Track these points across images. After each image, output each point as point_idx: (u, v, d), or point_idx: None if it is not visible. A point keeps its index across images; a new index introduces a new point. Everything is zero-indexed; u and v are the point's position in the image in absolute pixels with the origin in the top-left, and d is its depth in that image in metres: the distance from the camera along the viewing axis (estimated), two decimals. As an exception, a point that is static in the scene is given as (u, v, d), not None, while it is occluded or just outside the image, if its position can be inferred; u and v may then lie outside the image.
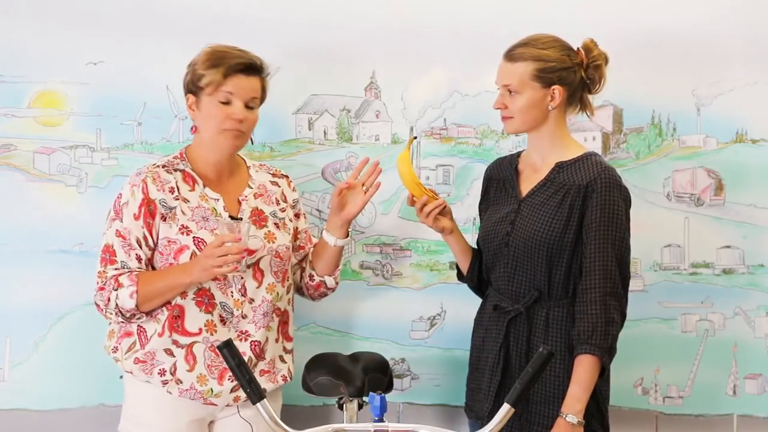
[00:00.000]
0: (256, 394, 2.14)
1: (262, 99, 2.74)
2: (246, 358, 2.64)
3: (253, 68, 2.68)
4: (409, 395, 3.18)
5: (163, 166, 2.70)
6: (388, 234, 3.17)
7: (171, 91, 3.06)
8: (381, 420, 2.22)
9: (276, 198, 2.81)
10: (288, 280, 2.80)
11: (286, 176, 2.88)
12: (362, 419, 2.45)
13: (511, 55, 2.67)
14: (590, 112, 2.76)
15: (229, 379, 2.66)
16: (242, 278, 2.68)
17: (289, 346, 2.81)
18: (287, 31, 3.11)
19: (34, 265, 3.06)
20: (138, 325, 2.67)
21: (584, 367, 2.57)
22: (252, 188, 2.78)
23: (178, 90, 2.75)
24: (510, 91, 2.66)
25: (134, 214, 2.63)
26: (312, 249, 2.89)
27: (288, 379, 2.80)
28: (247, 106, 2.67)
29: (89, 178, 3.08)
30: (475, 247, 2.89)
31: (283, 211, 2.80)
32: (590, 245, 2.60)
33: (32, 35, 3.06)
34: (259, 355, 2.70)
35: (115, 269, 2.63)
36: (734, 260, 3.17)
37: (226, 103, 2.65)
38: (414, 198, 2.79)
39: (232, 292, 2.67)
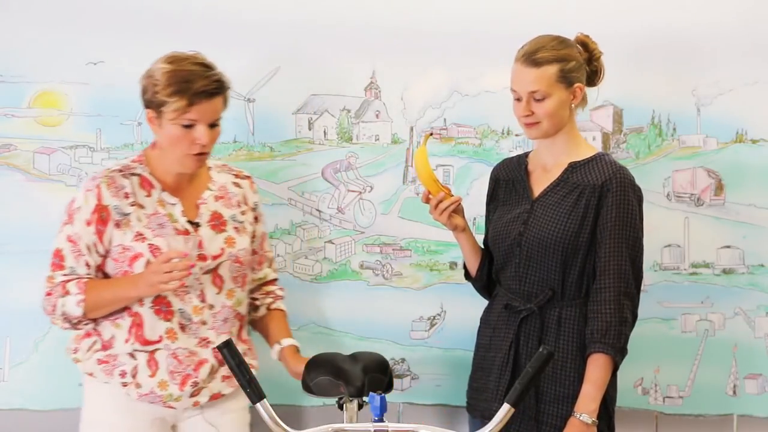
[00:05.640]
0: (256, 394, 2.14)
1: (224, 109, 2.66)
2: (209, 365, 2.65)
3: (217, 91, 2.58)
4: (409, 395, 3.18)
5: (120, 171, 2.65)
6: (388, 234, 3.17)
7: (171, 91, 3.05)
8: (381, 420, 2.22)
9: (237, 200, 2.76)
10: (247, 284, 2.77)
11: (249, 177, 2.82)
12: (362, 419, 2.44)
13: (534, 60, 2.62)
14: (585, 103, 2.75)
15: (190, 385, 2.64)
16: (201, 284, 2.65)
17: (244, 347, 2.76)
18: (287, 31, 3.11)
19: (34, 265, 3.03)
20: (98, 329, 2.65)
21: (598, 367, 2.58)
22: (212, 190, 2.73)
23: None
24: (535, 98, 2.63)
25: (86, 220, 2.61)
26: (265, 316, 2.86)
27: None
28: (210, 125, 2.60)
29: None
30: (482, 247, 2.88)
31: (244, 214, 2.76)
32: (605, 245, 2.61)
33: (32, 35, 3.06)
34: (222, 361, 2.63)
35: (64, 275, 2.61)
36: (734, 260, 3.16)
37: (190, 126, 2.57)
38: (429, 195, 2.78)
39: (191, 299, 2.65)
